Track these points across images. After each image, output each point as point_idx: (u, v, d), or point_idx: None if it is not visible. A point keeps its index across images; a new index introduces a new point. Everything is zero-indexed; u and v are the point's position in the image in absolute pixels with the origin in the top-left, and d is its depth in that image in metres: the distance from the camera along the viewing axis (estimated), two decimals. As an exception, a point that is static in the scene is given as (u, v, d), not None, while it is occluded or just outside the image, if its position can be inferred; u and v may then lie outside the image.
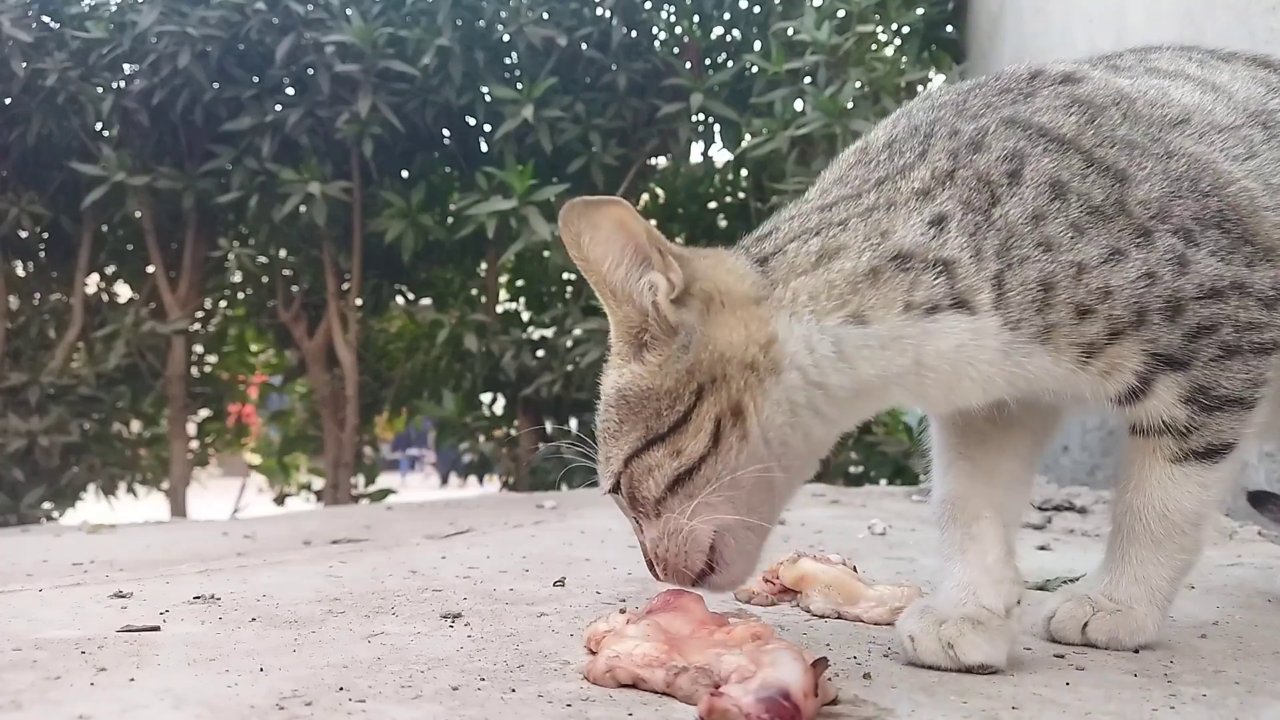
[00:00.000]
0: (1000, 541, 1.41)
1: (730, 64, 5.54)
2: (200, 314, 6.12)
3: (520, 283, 6.21)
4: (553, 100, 5.05)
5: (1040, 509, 3.14)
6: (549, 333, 5.52)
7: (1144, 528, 1.39)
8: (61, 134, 5.32)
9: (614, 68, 5.30)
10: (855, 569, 1.70)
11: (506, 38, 5.29)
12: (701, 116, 5.38)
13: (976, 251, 1.29)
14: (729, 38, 5.70)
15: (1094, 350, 1.31)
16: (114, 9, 5.30)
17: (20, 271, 6.07)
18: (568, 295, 5.74)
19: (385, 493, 5.88)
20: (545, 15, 5.16)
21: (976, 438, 1.48)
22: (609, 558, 2.19)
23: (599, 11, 5.37)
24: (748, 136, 5.20)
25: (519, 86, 5.08)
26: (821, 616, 1.63)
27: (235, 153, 5.24)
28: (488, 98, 5.22)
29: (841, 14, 4.87)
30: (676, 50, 5.52)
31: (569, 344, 5.14)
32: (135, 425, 6.11)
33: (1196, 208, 1.34)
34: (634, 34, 5.41)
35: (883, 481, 5.03)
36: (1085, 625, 1.42)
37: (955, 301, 1.29)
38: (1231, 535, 2.55)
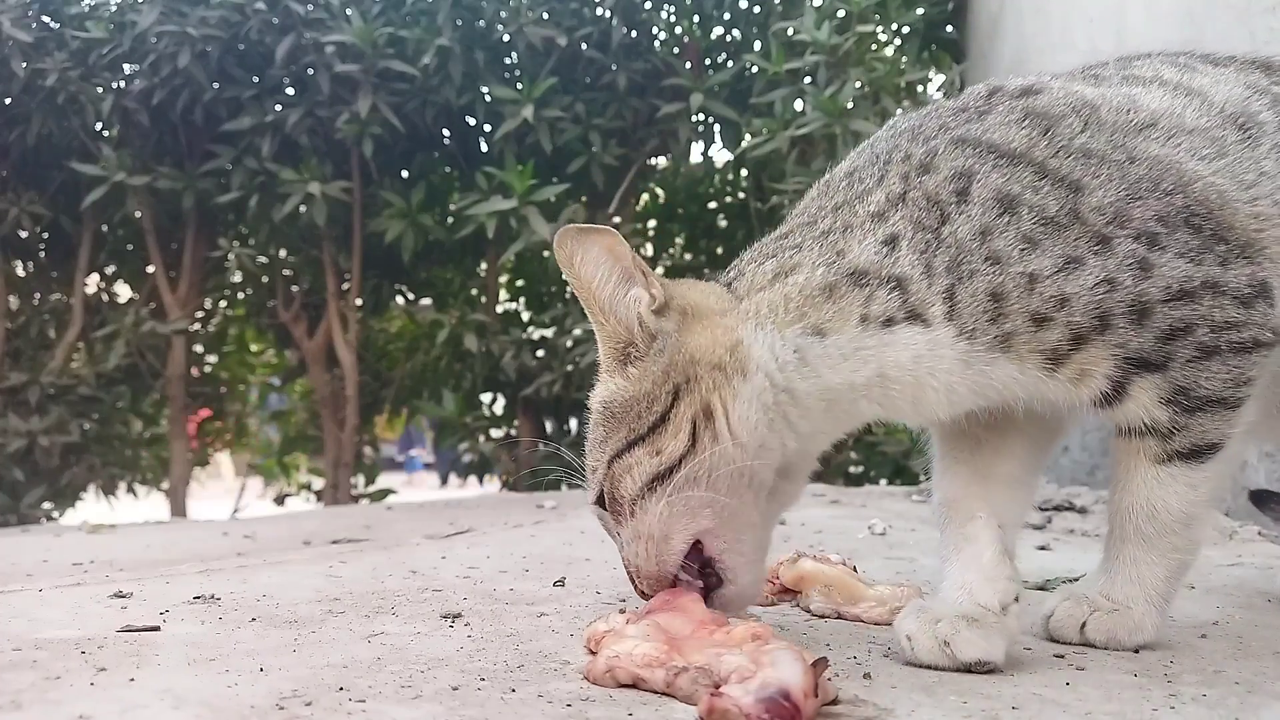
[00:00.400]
0: (995, 541, 1.42)
1: (730, 64, 5.54)
2: (200, 314, 6.12)
3: (520, 283, 6.21)
4: (553, 100, 5.05)
5: (1040, 509, 3.14)
6: (549, 333, 5.52)
7: (1135, 528, 1.40)
8: (61, 134, 5.32)
9: (614, 68, 5.30)
10: (855, 569, 1.70)
11: (506, 38, 5.29)
12: (701, 116, 5.38)
13: (927, 267, 1.34)
14: (729, 38, 5.70)
15: (1059, 357, 1.34)
16: (114, 9, 5.29)
17: (20, 271, 6.06)
18: (568, 295, 5.74)
19: (385, 493, 5.88)
20: (545, 15, 5.16)
21: (972, 442, 1.51)
22: (609, 558, 2.18)
23: (599, 11, 5.37)
24: (748, 136, 5.20)
25: (519, 86, 5.08)
26: (821, 616, 1.63)
27: (235, 153, 5.23)
28: (488, 98, 5.22)
29: (841, 14, 4.86)
30: (676, 50, 5.52)
31: (569, 344, 5.14)
32: (136, 425, 6.10)
33: (1159, 207, 1.34)
34: (634, 34, 5.41)
35: (883, 481, 5.03)
36: (1084, 625, 1.43)
37: (909, 315, 1.34)
38: (1231, 535, 2.55)
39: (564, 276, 1.45)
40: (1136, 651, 1.41)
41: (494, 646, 1.38)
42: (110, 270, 6.19)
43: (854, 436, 5.08)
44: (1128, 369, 1.34)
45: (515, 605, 1.67)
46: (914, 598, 1.54)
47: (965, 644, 1.29)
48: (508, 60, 5.44)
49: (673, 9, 5.59)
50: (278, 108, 5.17)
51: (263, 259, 5.70)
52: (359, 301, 5.82)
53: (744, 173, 5.74)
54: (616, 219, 5.42)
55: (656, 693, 1.16)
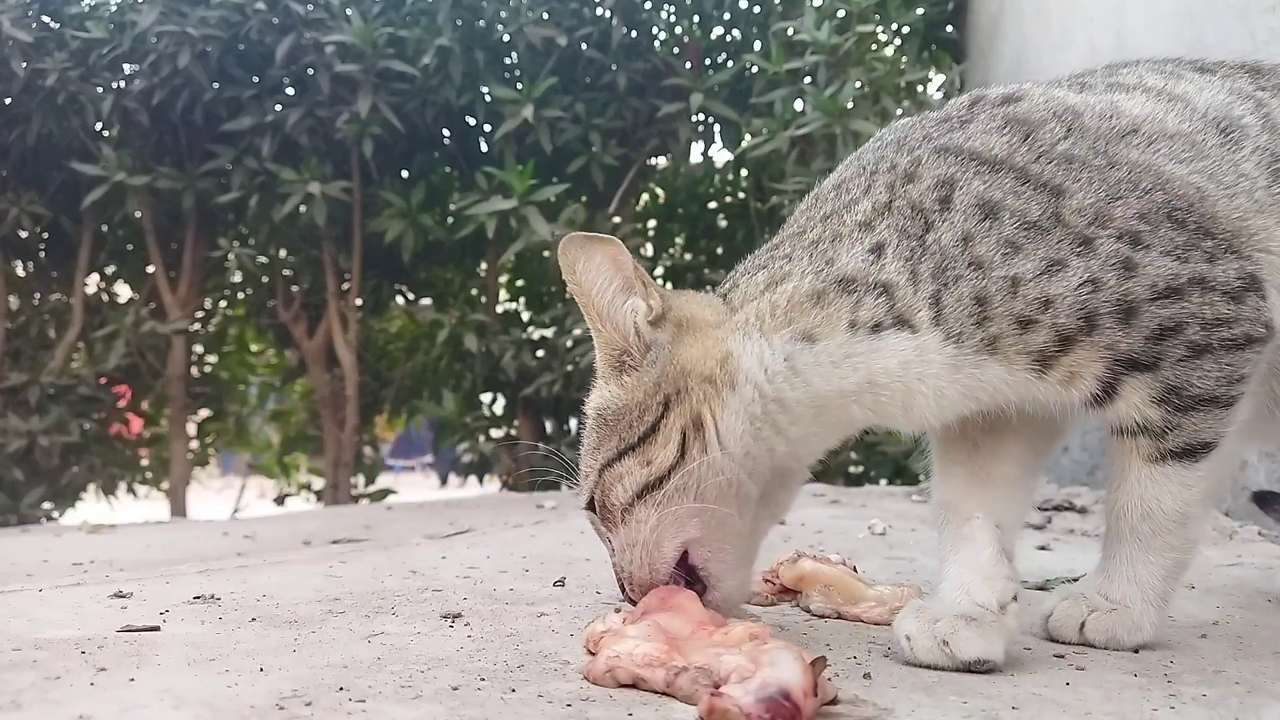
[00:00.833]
0: (992, 541, 1.43)
1: (730, 64, 5.54)
2: (200, 314, 6.12)
3: (520, 283, 6.21)
4: (553, 100, 5.05)
5: (1040, 509, 3.14)
6: (549, 333, 5.52)
7: (1130, 528, 1.41)
8: (61, 134, 5.32)
9: (614, 68, 5.30)
10: (855, 569, 1.70)
11: (506, 38, 5.29)
12: (701, 116, 5.38)
13: (913, 274, 1.36)
14: (729, 38, 5.70)
15: (1047, 358, 1.35)
16: (114, 9, 5.29)
17: (20, 271, 6.06)
18: (568, 295, 5.71)
19: (385, 493, 5.88)
20: (545, 15, 5.16)
21: (970, 445, 1.52)
22: (609, 558, 2.18)
23: (599, 11, 5.37)
24: (748, 136, 5.20)
25: (519, 86, 5.08)
26: (821, 616, 1.63)
27: (235, 153, 5.23)
28: (488, 98, 5.22)
29: (841, 14, 4.86)
30: (676, 50, 5.52)
31: (569, 344, 5.14)
32: (135, 425, 6.10)
33: (1139, 205, 1.35)
34: (634, 34, 5.41)
35: (883, 481, 5.03)
36: (1083, 625, 1.43)
37: (897, 320, 1.36)
38: (1231, 535, 2.55)
39: (566, 282, 1.48)
40: (1136, 651, 1.41)
41: (494, 646, 1.38)
42: (110, 270, 6.19)
43: (853, 437, 5.10)
44: (1117, 369, 1.34)
45: (515, 605, 1.67)
46: (914, 598, 1.54)
47: (964, 643, 1.29)
48: (508, 60, 5.44)
49: (673, 9, 5.59)
50: (278, 108, 5.17)
51: (263, 259, 5.71)
52: (359, 301, 5.82)
53: (744, 173, 5.74)
54: (616, 219, 5.43)
55: (656, 693, 1.16)
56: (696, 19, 5.59)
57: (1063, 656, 1.38)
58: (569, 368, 5.10)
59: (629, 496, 1.40)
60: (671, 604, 1.33)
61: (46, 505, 5.43)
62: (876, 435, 4.99)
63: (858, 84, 4.70)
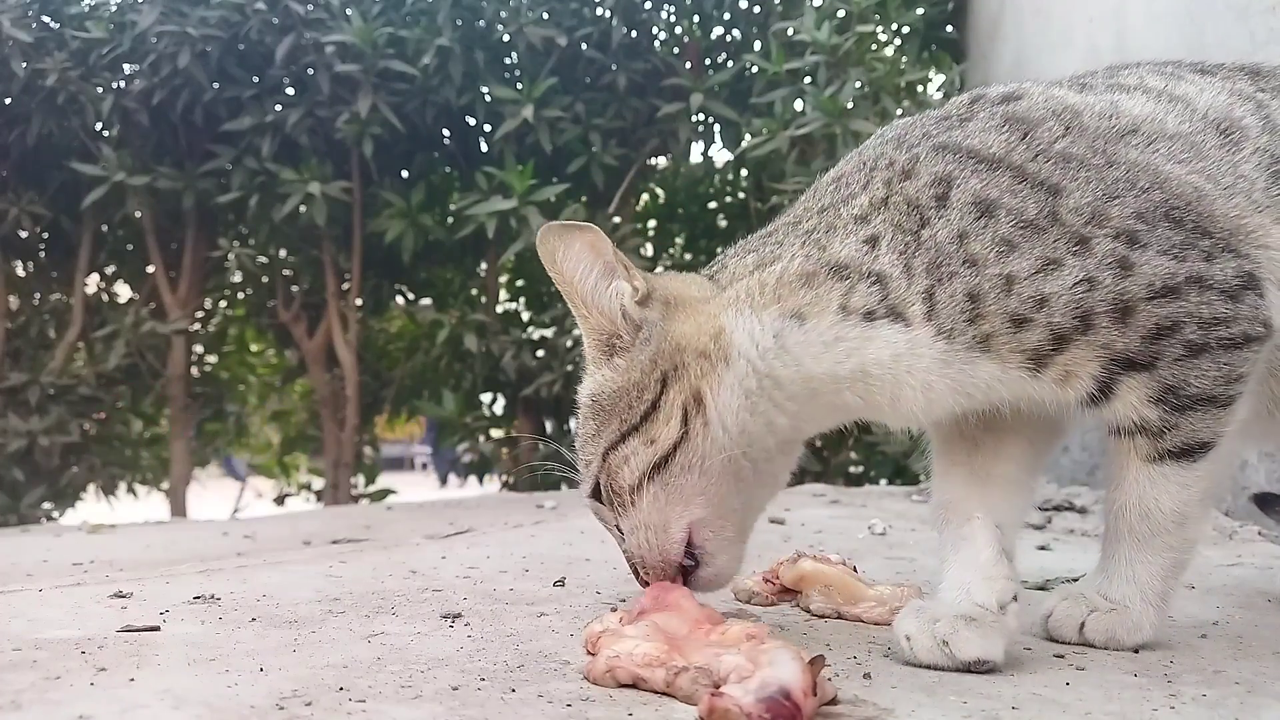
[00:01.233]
0: (992, 541, 1.43)
1: (730, 64, 5.54)
2: (200, 314, 6.11)
3: (520, 283, 6.21)
4: (553, 100, 5.04)
5: (1040, 509, 3.15)
6: (549, 333, 5.51)
7: (1129, 528, 1.41)
8: (61, 134, 5.31)
9: (614, 68, 5.30)
10: (855, 569, 1.70)
11: (506, 38, 5.28)
12: (701, 116, 5.38)
13: (907, 267, 1.37)
14: (729, 38, 5.70)
15: (1041, 357, 1.34)
16: (114, 9, 5.28)
17: (20, 271, 6.05)
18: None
19: (385, 493, 5.88)
20: (545, 15, 5.15)
21: (970, 444, 1.52)
22: (609, 558, 2.18)
23: (599, 11, 5.36)
24: (748, 136, 5.20)
25: (519, 86, 5.07)
26: (821, 616, 1.63)
27: (235, 153, 5.23)
28: (488, 98, 5.22)
29: (841, 14, 4.86)
30: (676, 50, 5.52)
31: (569, 344, 5.14)
32: (136, 425, 6.10)
33: (1136, 205, 1.35)
34: (634, 34, 5.41)
35: (883, 481, 5.03)
36: (1082, 625, 1.43)
37: (890, 312, 1.36)
38: (1231, 535, 2.55)
39: (548, 271, 1.49)
40: (1136, 651, 1.41)
41: (494, 646, 1.38)
42: (110, 270, 6.18)
43: (854, 436, 5.10)
44: (1114, 369, 1.34)
45: (515, 605, 1.67)
46: (914, 598, 1.54)
47: (964, 643, 1.29)
48: (508, 60, 5.44)
49: (673, 9, 5.59)
50: (278, 108, 5.16)
51: (263, 259, 5.70)
52: (359, 301, 5.81)
53: (744, 173, 5.74)
54: (616, 219, 5.42)
55: (656, 693, 1.16)
56: (696, 19, 5.58)
57: (1063, 656, 1.38)
58: (569, 368, 5.10)
59: (636, 477, 1.39)
60: (668, 603, 1.33)
61: (46, 505, 5.42)
62: (876, 435, 5.00)
63: (858, 84, 4.69)
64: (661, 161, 5.99)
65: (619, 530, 1.46)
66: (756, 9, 5.61)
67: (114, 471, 5.70)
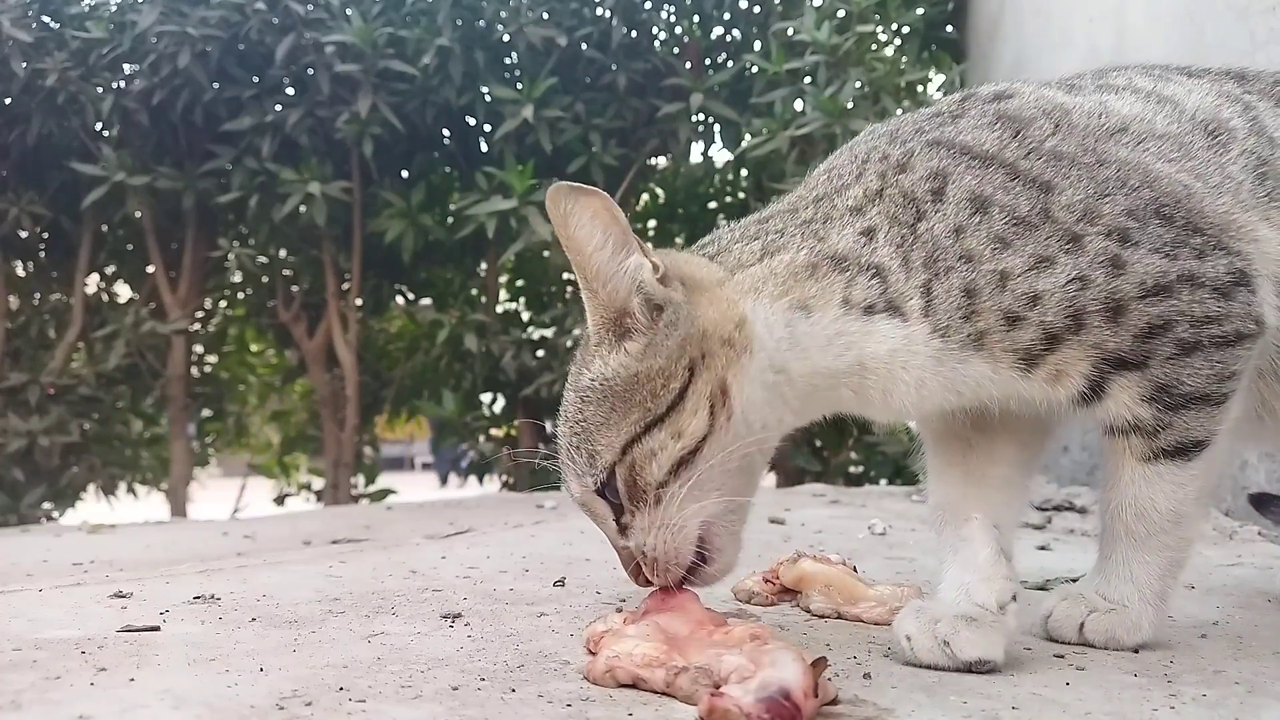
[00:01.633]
0: (991, 541, 1.43)
1: (730, 64, 5.54)
2: (200, 314, 6.11)
3: (520, 283, 6.21)
4: (553, 100, 5.04)
5: (1040, 509, 3.15)
6: (549, 333, 5.51)
7: (1125, 528, 1.41)
8: (61, 134, 5.31)
9: (614, 68, 5.30)
10: (855, 569, 1.70)
11: (506, 38, 5.28)
12: (701, 116, 5.38)
13: (905, 260, 1.36)
14: (729, 38, 5.70)
15: (1033, 356, 1.34)
16: (114, 9, 5.29)
17: (20, 271, 6.05)
18: (568, 295, 5.74)
19: (385, 493, 5.88)
20: (545, 15, 5.15)
21: (963, 445, 1.52)
22: (609, 558, 2.17)
23: (599, 11, 5.36)
24: (748, 136, 5.20)
25: (519, 86, 5.07)
26: (821, 616, 1.63)
27: (235, 153, 5.23)
28: (488, 98, 5.22)
29: (841, 14, 4.86)
30: (676, 50, 5.52)
31: (569, 344, 5.14)
32: (136, 425, 6.10)
33: (1127, 202, 1.35)
34: (634, 34, 5.41)
35: (883, 481, 5.03)
36: (1082, 625, 1.43)
37: (889, 306, 1.35)
38: (1231, 535, 2.55)
39: (557, 234, 1.37)
40: (1136, 651, 1.41)
41: (494, 646, 1.38)
42: (110, 270, 6.18)
43: (854, 436, 5.11)
44: (1105, 368, 1.34)
45: (515, 605, 1.67)
46: (914, 598, 1.55)
47: (964, 643, 1.29)
48: (508, 60, 5.44)
49: (673, 9, 5.59)
50: (278, 108, 5.16)
51: (263, 259, 5.70)
52: (359, 301, 5.81)
53: (744, 173, 5.74)
54: (617, 219, 5.42)
55: (656, 693, 1.16)
56: (696, 19, 5.58)
57: (1063, 656, 1.38)
58: (569, 368, 5.09)
59: (664, 473, 1.32)
60: (672, 604, 1.33)
61: (46, 505, 5.42)
62: (876, 435, 5.00)
63: (858, 84, 4.70)
64: (661, 161, 5.99)
65: (617, 524, 1.39)
66: (756, 9, 5.61)
67: (114, 471, 5.69)
